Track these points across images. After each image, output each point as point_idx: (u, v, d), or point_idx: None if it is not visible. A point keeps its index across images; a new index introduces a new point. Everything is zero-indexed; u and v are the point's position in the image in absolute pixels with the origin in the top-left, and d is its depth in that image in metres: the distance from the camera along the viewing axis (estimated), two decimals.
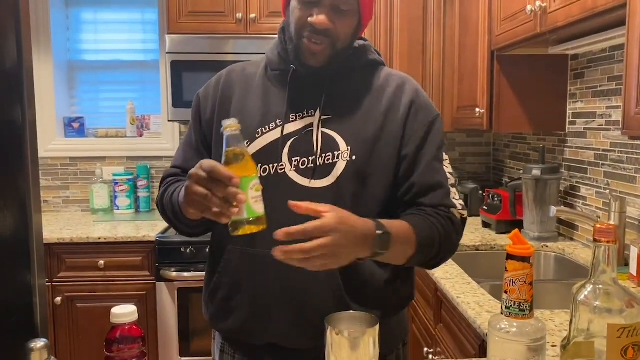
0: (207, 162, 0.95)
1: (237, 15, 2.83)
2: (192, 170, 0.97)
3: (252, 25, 2.84)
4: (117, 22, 3.38)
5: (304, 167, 1.13)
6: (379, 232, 1.00)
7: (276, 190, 1.11)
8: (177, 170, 1.27)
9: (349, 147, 1.13)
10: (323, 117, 1.16)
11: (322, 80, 1.18)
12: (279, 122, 1.16)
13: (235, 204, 0.92)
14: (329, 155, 1.13)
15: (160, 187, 1.28)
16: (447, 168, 1.19)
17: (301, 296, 1.14)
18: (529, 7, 1.85)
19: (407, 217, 1.12)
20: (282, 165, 1.14)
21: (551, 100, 2.35)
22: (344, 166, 1.12)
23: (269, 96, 1.21)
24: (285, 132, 1.15)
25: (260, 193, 0.95)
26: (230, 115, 1.19)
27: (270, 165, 1.14)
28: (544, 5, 1.77)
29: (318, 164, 1.13)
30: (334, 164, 1.13)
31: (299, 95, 1.18)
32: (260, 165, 1.13)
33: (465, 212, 1.18)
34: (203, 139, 1.25)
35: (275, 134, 1.16)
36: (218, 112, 1.22)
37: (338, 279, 1.13)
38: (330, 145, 1.13)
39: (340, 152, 1.13)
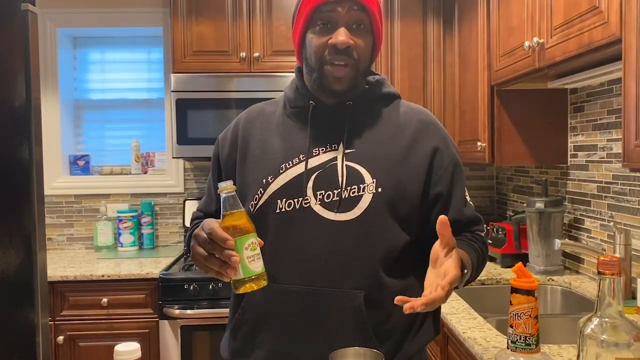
0: (207, 223, 0.99)
1: (241, 54, 2.88)
2: (196, 231, 1.03)
3: (256, 64, 2.89)
4: (123, 61, 3.45)
5: (329, 200, 1.14)
6: (464, 271, 1.05)
7: (302, 224, 1.14)
8: (200, 214, 1.34)
9: (375, 180, 1.14)
10: (347, 151, 1.17)
11: (343, 114, 1.20)
12: (302, 157, 1.18)
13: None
14: (354, 188, 1.14)
15: (189, 228, 1.35)
16: (468, 197, 1.26)
17: (326, 332, 1.13)
18: (526, 43, 1.89)
19: (459, 245, 1.14)
20: (307, 199, 1.15)
21: (552, 133, 2.37)
22: (370, 198, 1.13)
23: (290, 132, 1.23)
24: (309, 167, 1.17)
25: (257, 252, 0.99)
26: (253, 152, 1.23)
27: (295, 200, 1.15)
28: (542, 41, 1.81)
29: (343, 196, 1.14)
30: (359, 197, 1.14)
31: (321, 130, 1.20)
32: (284, 200, 1.16)
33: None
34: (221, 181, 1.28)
35: (299, 169, 1.17)
36: (241, 149, 1.25)
37: (364, 313, 1.13)
38: (355, 178, 1.15)
39: (365, 184, 1.14)
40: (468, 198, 1.25)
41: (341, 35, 1.12)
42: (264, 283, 0.99)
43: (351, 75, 1.16)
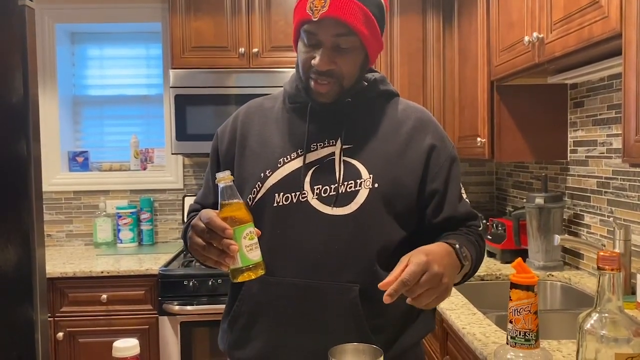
0: (205, 213, 1.00)
1: (240, 49, 2.88)
2: (194, 221, 1.04)
3: (255, 60, 2.89)
4: (121, 57, 3.45)
5: (326, 195, 1.15)
6: (455, 245, 1.06)
7: (298, 218, 1.15)
8: (197, 205, 1.34)
9: (371, 175, 1.15)
10: (344, 146, 1.18)
11: (341, 111, 1.20)
12: (300, 152, 1.19)
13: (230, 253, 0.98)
14: (351, 183, 1.15)
15: (186, 221, 1.35)
16: (464, 194, 1.25)
17: (321, 325, 1.14)
18: (526, 38, 1.88)
19: (454, 236, 1.15)
20: (305, 193, 1.16)
21: (552, 129, 2.36)
22: (366, 194, 1.14)
23: (289, 127, 1.23)
24: (306, 161, 1.18)
25: (255, 241, 1.00)
26: (252, 147, 1.24)
27: (293, 194, 1.16)
28: (541, 36, 1.80)
29: (340, 191, 1.15)
30: (356, 192, 1.14)
31: (319, 125, 1.21)
32: (282, 194, 1.17)
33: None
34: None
35: (296, 163, 1.18)
36: (239, 143, 1.26)
37: (359, 307, 1.13)
38: (352, 174, 1.16)
39: (362, 180, 1.15)
40: (464, 196, 1.25)
41: (322, 60, 1.12)
42: (261, 272, 1.01)
43: (335, 90, 1.17)
